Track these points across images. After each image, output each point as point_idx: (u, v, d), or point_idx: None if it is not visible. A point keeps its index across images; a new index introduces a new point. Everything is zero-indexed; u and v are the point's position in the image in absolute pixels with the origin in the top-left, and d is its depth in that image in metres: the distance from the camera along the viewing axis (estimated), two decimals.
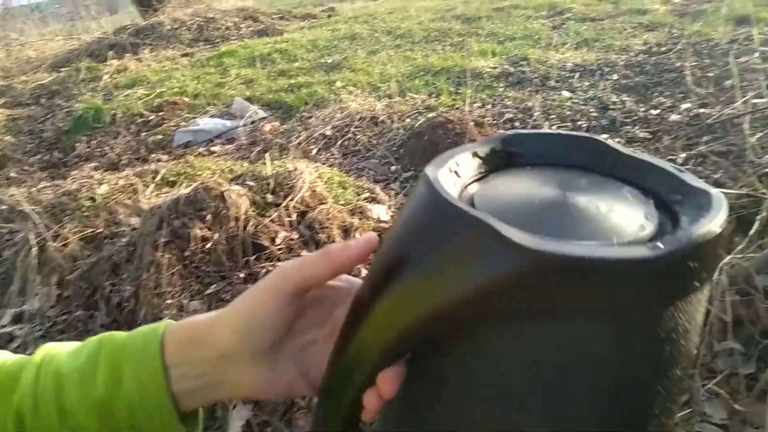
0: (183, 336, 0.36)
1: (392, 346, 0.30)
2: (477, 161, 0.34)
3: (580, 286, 0.23)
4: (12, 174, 3.35)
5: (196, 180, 2.19)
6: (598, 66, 3.09)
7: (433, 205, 0.27)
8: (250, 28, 7.16)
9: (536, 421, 0.26)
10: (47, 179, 3.19)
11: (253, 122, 3.13)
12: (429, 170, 0.30)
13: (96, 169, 2.97)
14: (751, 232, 1.27)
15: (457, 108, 2.80)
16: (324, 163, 2.40)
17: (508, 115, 2.53)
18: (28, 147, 3.91)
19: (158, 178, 2.39)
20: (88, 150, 3.39)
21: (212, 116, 3.30)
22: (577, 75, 3.00)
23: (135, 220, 2.04)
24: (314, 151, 2.60)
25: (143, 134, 3.35)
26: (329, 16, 7.71)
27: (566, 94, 2.70)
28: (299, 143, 2.67)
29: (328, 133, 2.73)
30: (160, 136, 3.25)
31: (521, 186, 0.31)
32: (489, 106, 2.74)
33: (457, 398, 0.29)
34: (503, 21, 4.69)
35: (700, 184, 0.28)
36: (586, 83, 2.84)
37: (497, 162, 0.34)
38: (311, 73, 3.93)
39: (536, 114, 2.49)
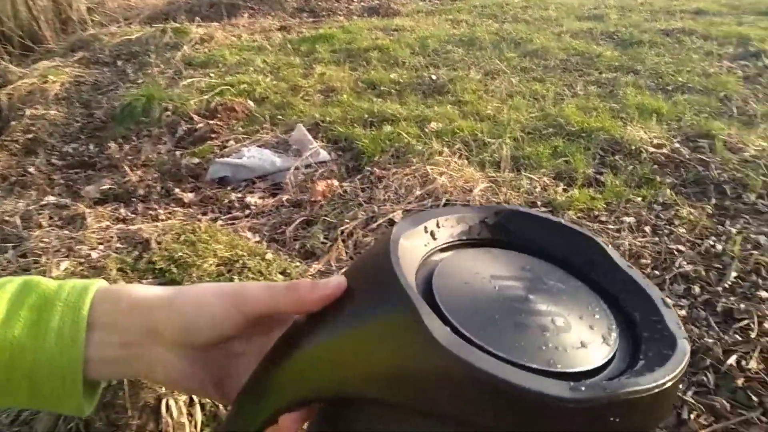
0: (113, 297, 0.34)
1: (302, 394, 0.30)
2: (462, 227, 0.32)
3: (486, 402, 0.22)
4: (31, 169, 2.81)
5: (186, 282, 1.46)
6: None
7: (380, 262, 0.27)
8: (362, 3, 6.34)
9: None
10: (60, 189, 2.61)
11: (308, 166, 2.34)
12: (400, 225, 0.29)
13: (104, 198, 2.34)
14: None
15: (596, 218, 1.85)
16: None
17: (680, 263, 1.56)
18: (71, 128, 3.39)
19: (142, 262, 1.69)
20: (117, 156, 2.77)
21: (262, 145, 2.55)
22: None
23: None
24: None
25: (179, 152, 2.67)
26: (454, 0, 6.70)
27: None
28: (351, 232, 1.86)
29: (398, 220, 1.89)
30: (196, 160, 2.56)
31: (488, 270, 0.29)
32: (647, 229, 1.76)
33: None
34: (673, 54, 3.53)
35: (676, 328, 0.25)
36: None
37: (481, 234, 0.32)
38: (405, 95, 3.05)
39: (732, 276, 1.50)
